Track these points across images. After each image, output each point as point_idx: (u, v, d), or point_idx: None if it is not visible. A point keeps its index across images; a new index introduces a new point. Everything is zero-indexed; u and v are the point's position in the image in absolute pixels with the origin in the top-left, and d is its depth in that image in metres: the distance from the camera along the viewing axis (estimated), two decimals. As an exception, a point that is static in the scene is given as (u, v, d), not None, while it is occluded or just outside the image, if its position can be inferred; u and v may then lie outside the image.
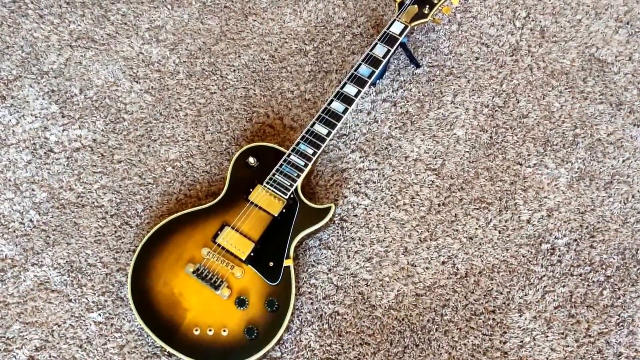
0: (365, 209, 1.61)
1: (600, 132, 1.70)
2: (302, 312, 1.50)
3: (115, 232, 1.58)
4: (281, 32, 1.85)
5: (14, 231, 1.57)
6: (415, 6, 1.64)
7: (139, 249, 1.45)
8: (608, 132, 1.70)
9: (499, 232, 1.58)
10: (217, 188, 1.63)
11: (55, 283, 1.52)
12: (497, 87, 1.76)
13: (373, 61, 1.59)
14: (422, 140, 1.69)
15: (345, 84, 1.58)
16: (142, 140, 1.69)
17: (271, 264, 1.43)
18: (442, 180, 1.64)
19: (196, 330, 1.38)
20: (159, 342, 1.37)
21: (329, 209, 1.50)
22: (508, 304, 1.51)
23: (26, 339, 1.46)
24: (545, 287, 1.52)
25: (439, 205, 1.61)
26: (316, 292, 1.52)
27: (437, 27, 1.84)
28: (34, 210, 1.60)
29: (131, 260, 1.46)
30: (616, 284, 1.53)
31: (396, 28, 1.63)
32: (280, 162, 1.52)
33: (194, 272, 1.41)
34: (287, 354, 1.46)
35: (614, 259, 1.56)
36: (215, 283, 1.40)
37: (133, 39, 1.83)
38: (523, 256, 1.56)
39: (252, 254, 1.44)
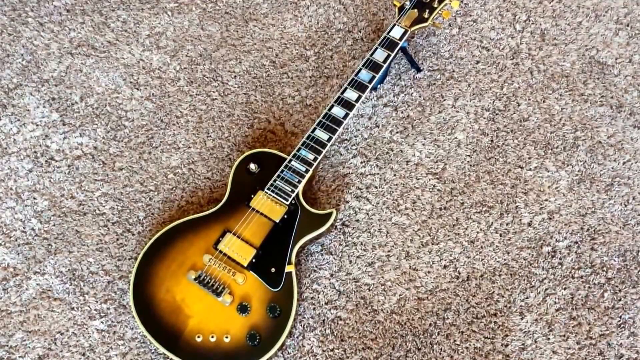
0: (367, 213, 1.61)
1: (601, 135, 1.70)
2: (304, 317, 1.50)
3: (117, 239, 1.58)
4: (282, 38, 1.85)
5: (16, 240, 1.58)
6: (415, 10, 1.64)
7: (140, 256, 1.45)
8: (608, 134, 1.70)
9: (500, 235, 1.59)
10: (218, 194, 1.64)
11: (57, 291, 1.52)
12: (497, 90, 1.76)
13: (373, 66, 1.59)
14: (423, 144, 1.69)
15: (345, 89, 1.58)
16: (144, 148, 1.69)
17: (273, 269, 1.43)
18: (443, 184, 1.64)
19: (198, 337, 1.38)
20: (162, 350, 1.37)
21: (330, 214, 1.50)
22: (509, 307, 1.51)
23: (29, 347, 1.47)
24: (546, 289, 1.53)
25: (440, 209, 1.62)
26: (318, 297, 1.52)
27: (437, 31, 1.85)
28: (35, 218, 1.60)
29: (133, 267, 1.47)
30: (617, 286, 1.53)
31: (396, 32, 1.63)
32: (282, 168, 1.52)
33: (195, 279, 1.41)
34: (290, 360, 1.46)
35: (614, 261, 1.56)
36: (217, 290, 1.40)
37: (133, 45, 1.83)
38: (524, 259, 1.56)
39: (253, 260, 1.44)
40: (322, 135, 1.54)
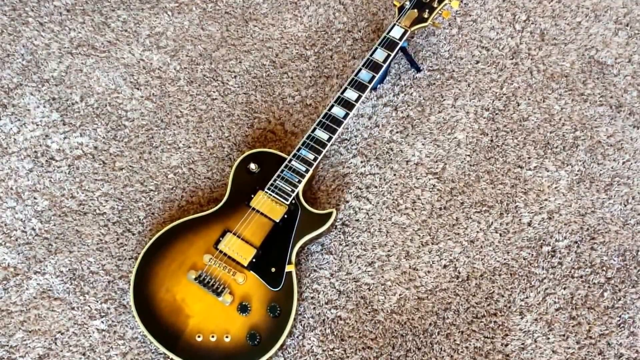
0: (367, 213, 1.61)
1: (600, 134, 1.70)
2: (304, 317, 1.50)
3: (118, 239, 1.58)
4: (282, 38, 1.85)
5: (16, 239, 1.58)
6: (415, 10, 1.64)
7: (141, 256, 1.45)
8: (608, 134, 1.70)
9: (500, 235, 1.59)
10: (218, 194, 1.64)
11: (57, 291, 1.52)
12: (497, 90, 1.76)
13: (373, 66, 1.60)
14: (423, 144, 1.69)
15: (345, 89, 1.58)
16: (144, 147, 1.69)
17: (273, 269, 1.43)
18: (443, 184, 1.64)
19: (199, 336, 1.38)
20: (162, 349, 1.37)
21: (330, 214, 1.50)
22: (509, 307, 1.51)
23: (29, 347, 1.47)
24: (546, 289, 1.53)
25: (440, 209, 1.62)
26: (318, 297, 1.52)
27: (437, 31, 1.85)
28: (35, 218, 1.60)
29: (133, 267, 1.46)
30: (617, 286, 1.54)
31: (396, 32, 1.63)
32: (282, 167, 1.52)
33: (196, 279, 1.41)
34: (290, 359, 1.47)
35: (614, 260, 1.56)
36: (217, 289, 1.40)
37: (134, 45, 1.83)
38: (524, 259, 1.56)
39: (253, 260, 1.44)
40: (322, 135, 1.54)
